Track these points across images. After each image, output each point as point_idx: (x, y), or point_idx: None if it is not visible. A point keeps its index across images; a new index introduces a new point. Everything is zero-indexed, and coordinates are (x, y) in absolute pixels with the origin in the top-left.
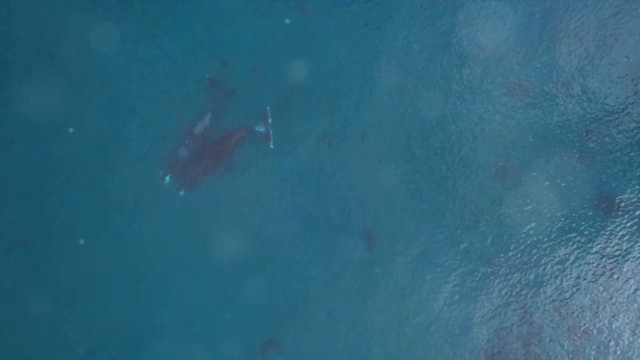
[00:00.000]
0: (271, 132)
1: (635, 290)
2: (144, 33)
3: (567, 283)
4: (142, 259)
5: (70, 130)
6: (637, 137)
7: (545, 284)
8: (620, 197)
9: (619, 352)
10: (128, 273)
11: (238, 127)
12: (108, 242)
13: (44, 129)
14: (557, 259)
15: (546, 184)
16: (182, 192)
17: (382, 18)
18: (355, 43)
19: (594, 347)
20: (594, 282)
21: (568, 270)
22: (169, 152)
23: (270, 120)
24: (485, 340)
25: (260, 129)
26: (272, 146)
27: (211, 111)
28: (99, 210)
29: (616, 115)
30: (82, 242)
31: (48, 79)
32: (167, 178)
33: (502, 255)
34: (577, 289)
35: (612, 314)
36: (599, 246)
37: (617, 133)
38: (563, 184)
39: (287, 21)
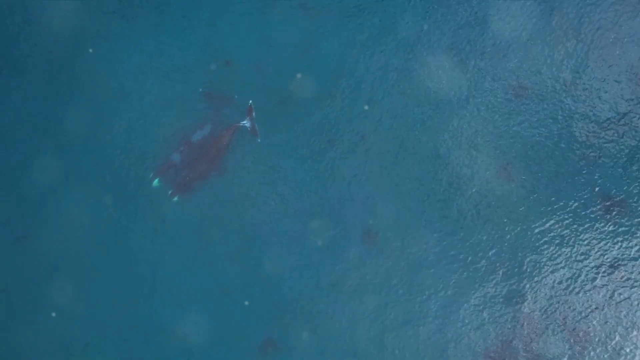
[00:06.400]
0: (256, 125)
1: (638, 291)
2: (144, 33)
3: (568, 284)
4: (139, 261)
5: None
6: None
7: (546, 284)
8: (623, 198)
9: (620, 354)
10: (124, 273)
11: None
12: (104, 245)
13: (43, 130)
14: (559, 260)
15: (548, 184)
16: (175, 198)
17: (386, 18)
18: (358, 42)
19: (595, 349)
20: (596, 283)
21: (569, 271)
22: (162, 157)
23: (254, 114)
24: (485, 341)
25: (247, 123)
26: (259, 140)
27: (211, 121)
28: (94, 213)
29: (619, 116)
30: (77, 243)
31: (46, 81)
32: (156, 181)
33: (502, 255)
34: (579, 290)
35: (614, 316)
36: (601, 247)
37: (620, 133)
38: (564, 185)
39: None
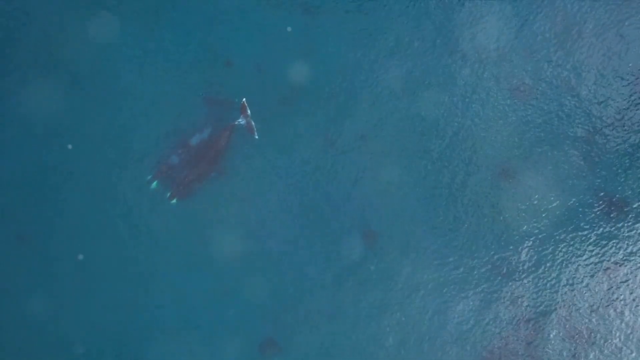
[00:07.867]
0: (252, 122)
1: (638, 292)
2: (144, 35)
3: (569, 284)
4: (140, 261)
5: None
6: None
7: (547, 285)
8: (624, 198)
9: (619, 354)
10: (123, 274)
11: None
12: (103, 245)
13: (43, 131)
14: (560, 261)
15: (549, 185)
16: (174, 201)
17: (386, 18)
18: (358, 43)
19: (594, 349)
20: (596, 283)
21: (570, 271)
22: (161, 159)
23: (249, 112)
24: (485, 341)
25: (242, 121)
26: (256, 137)
27: (211, 124)
28: (93, 214)
29: (620, 116)
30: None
31: (46, 82)
32: (154, 184)
33: (503, 256)
34: (579, 291)
35: (614, 316)
36: (601, 248)
37: (621, 134)
38: (566, 186)
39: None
